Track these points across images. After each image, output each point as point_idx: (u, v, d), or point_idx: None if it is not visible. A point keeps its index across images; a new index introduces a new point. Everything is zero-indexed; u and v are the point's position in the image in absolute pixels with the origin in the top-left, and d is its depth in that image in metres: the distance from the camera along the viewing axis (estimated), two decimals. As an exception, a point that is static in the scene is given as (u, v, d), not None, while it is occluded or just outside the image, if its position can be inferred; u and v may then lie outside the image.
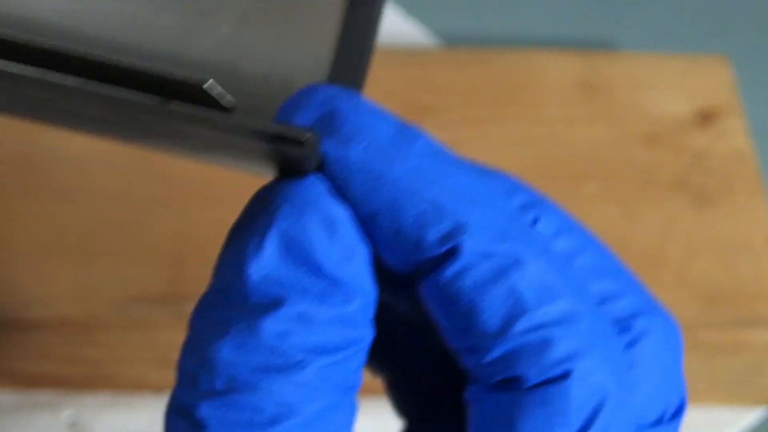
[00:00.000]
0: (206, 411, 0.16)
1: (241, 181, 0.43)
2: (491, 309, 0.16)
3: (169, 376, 0.43)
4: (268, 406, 0.16)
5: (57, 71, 0.16)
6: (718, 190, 0.44)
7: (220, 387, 0.16)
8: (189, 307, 0.39)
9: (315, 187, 0.17)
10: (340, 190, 0.17)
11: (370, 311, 0.17)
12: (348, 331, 0.17)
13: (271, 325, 0.16)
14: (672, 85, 0.48)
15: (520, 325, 0.16)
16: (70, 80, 0.15)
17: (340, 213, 0.17)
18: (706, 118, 0.47)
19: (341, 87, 0.18)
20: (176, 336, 0.40)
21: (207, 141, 0.17)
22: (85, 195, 0.42)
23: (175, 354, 0.37)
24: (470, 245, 0.16)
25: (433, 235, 0.16)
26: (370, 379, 0.43)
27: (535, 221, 0.18)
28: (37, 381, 0.43)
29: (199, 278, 0.41)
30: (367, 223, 0.17)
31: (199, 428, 0.16)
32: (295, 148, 0.16)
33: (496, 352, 0.17)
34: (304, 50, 0.20)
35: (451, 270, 0.17)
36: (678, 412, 0.18)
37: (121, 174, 0.43)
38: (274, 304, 0.16)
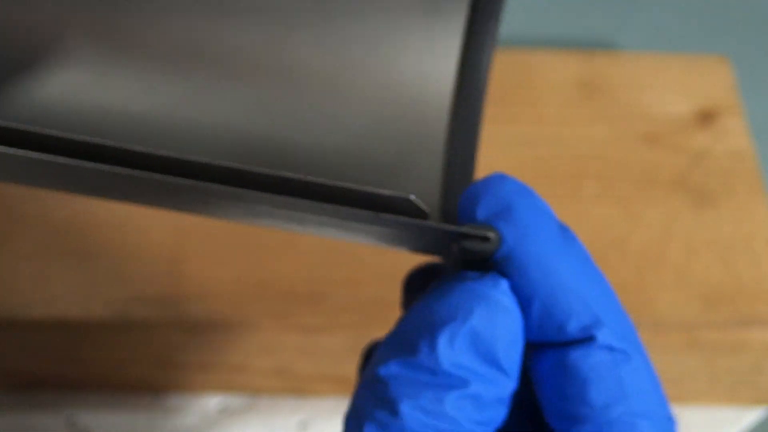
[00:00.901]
0: None
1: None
2: (600, 389, 0.21)
3: (169, 376, 0.43)
4: None
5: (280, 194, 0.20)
6: (718, 190, 0.44)
7: None
8: (189, 307, 0.39)
9: (504, 294, 0.21)
10: (508, 270, 0.21)
11: (513, 393, 0.22)
12: (501, 409, 0.22)
13: (454, 401, 0.21)
14: (672, 85, 0.48)
15: (618, 408, 0.21)
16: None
17: (518, 317, 0.21)
18: (706, 118, 0.47)
19: (517, 182, 0.22)
20: (176, 336, 0.40)
21: (382, 234, 0.22)
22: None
23: (174, 354, 0.37)
24: (601, 338, 0.21)
25: (576, 324, 0.21)
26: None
27: None
28: (37, 381, 0.43)
29: (199, 278, 0.41)
30: (522, 302, 0.21)
31: None
32: (481, 244, 0.21)
33: (592, 425, 0.21)
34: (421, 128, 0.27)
35: (579, 352, 0.21)
36: None
37: (121, 174, 0.43)
38: (459, 385, 0.21)
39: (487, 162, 0.46)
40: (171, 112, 0.26)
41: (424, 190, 0.26)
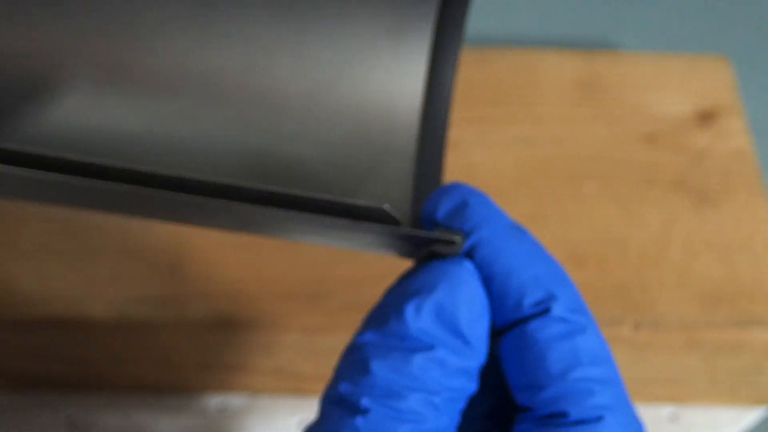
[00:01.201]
0: (366, 403, 0.23)
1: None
2: (557, 357, 0.23)
3: (169, 376, 0.43)
4: (409, 414, 0.23)
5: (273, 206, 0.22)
6: (718, 190, 0.44)
7: (378, 392, 0.23)
8: (189, 307, 0.39)
9: (467, 271, 0.23)
10: (471, 254, 0.24)
11: (480, 368, 0.24)
12: (469, 381, 0.23)
13: (420, 361, 0.23)
14: (672, 85, 0.48)
15: (575, 374, 0.22)
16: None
17: (481, 293, 0.23)
18: (706, 118, 0.47)
19: (470, 186, 0.25)
20: (176, 336, 0.40)
21: (360, 240, 0.24)
22: (85, 195, 0.42)
23: (174, 354, 0.37)
24: (556, 310, 0.23)
25: (531, 299, 0.23)
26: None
27: None
28: (37, 381, 0.43)
29: (199, 278, 0.41)
30: (484, 283, 0.24)
31: (361, 413, 0.23)
32: (448, 247, 0.23)
33: (552, 391, 0.22)
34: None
35: (535, 324, 0.23)
36: None
37: (121, 174, 0.43)
38: (425, 348, 0.23)
39: (487, 162, 0.46)
40: (164, 131, 0.28)
41: (396, 197, 0.29)
